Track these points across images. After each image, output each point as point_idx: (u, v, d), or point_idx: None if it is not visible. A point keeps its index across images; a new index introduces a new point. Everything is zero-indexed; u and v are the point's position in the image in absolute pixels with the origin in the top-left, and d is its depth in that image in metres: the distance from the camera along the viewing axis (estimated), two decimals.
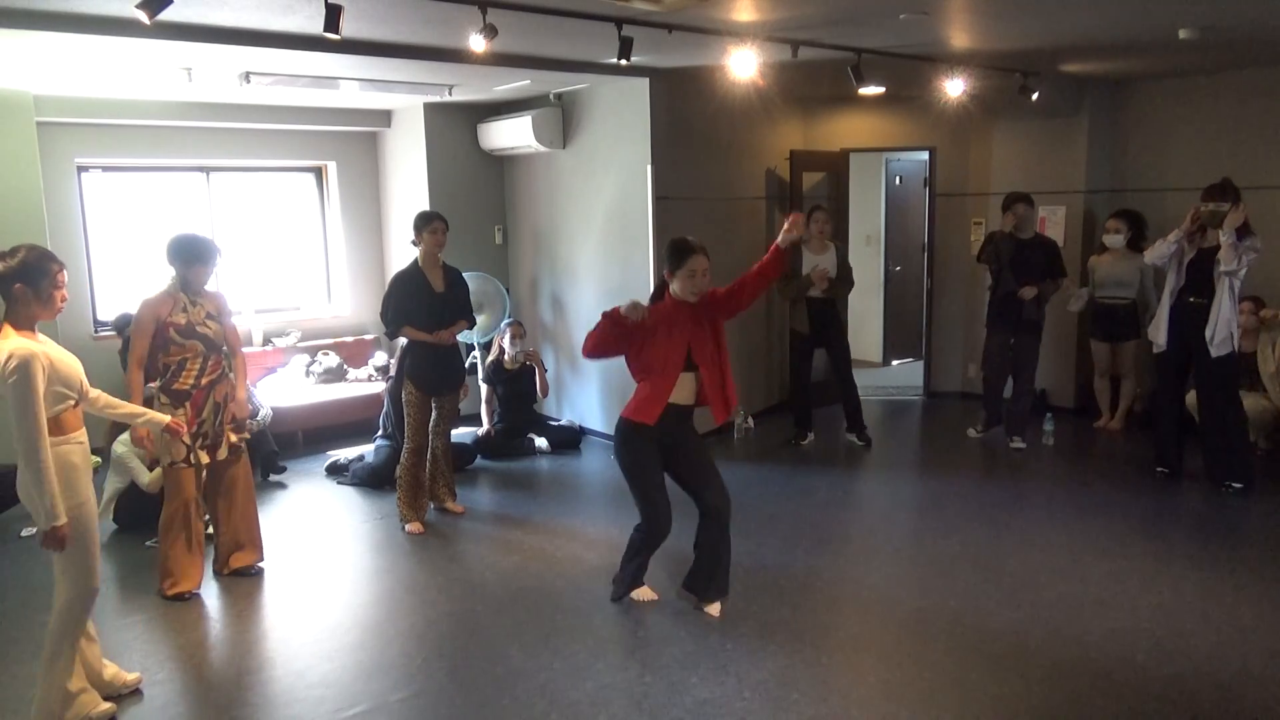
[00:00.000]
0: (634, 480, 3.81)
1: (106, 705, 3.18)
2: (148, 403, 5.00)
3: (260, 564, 4.49)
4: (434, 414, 5.15)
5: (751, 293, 3.73)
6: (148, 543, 4.84)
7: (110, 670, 3.35)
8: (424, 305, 4.94)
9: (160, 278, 4.16)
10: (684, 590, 3.98)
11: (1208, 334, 5.05)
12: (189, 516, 4.18)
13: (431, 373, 5.03)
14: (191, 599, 4.17)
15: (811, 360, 6.46)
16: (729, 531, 3.88)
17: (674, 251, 3.66)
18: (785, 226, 3.65)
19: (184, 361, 4.06)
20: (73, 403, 3.03)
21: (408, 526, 5.01)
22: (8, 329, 2.94)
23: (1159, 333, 5.33)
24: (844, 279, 6.36)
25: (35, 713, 3.06)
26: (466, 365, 7.08)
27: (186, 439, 4.00)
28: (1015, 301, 6.11)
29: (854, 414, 6.45)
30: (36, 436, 2.83)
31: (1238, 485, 5.20)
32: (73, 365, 3.05)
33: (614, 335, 3.58)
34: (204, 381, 4.12)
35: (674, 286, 3.67)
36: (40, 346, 2.93)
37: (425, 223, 4.99)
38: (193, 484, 4.18)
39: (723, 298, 3.73)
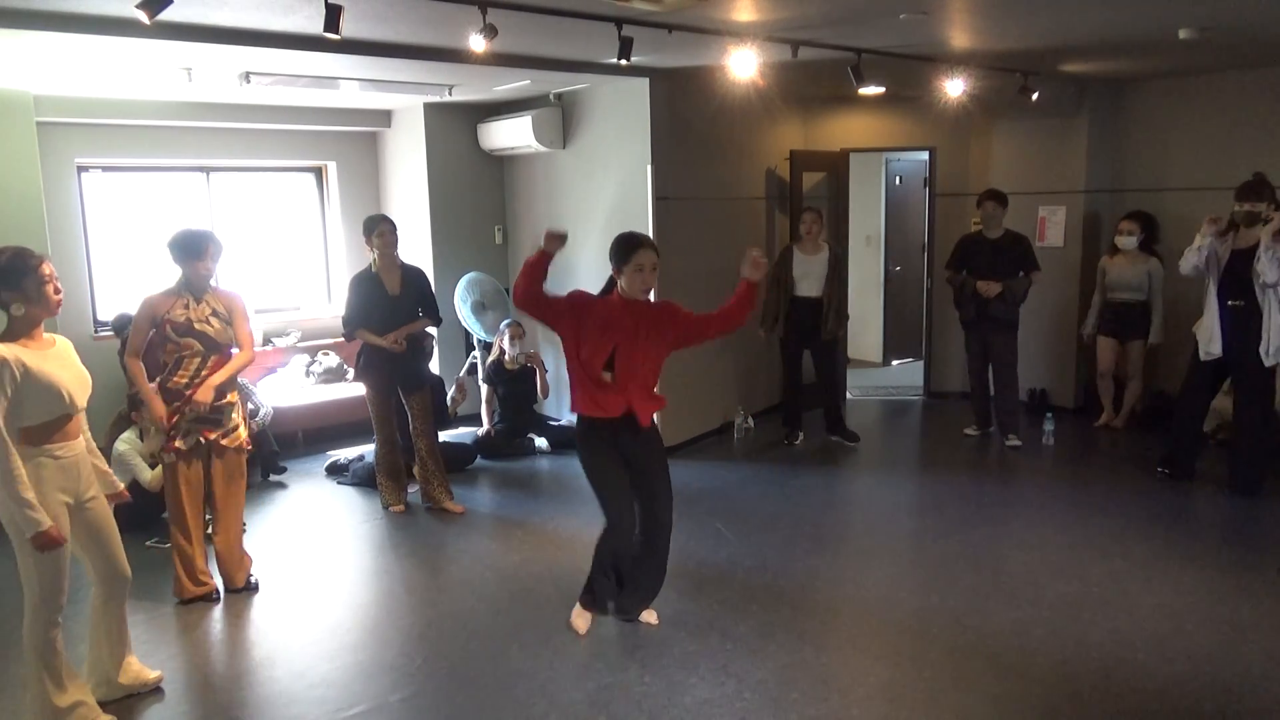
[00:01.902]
0: (593, 478, 3.62)
1: (106, 718, 3.14)
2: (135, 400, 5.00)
3: (252, 578, 4.32)
4: (409, 415, 5.26)
5: (718, 330, 3.61)
6: (148, 543, 4.85)
7: (133, 669, 3.35)
8: (378, 308, 5.05)
9: (167, 277, 4.10)
10: (617, 614, 3.80)
11: (1262, 347, 4.88)
12: (183, 516, 4.12)
13: (381, 372, 5.12)
14: (217, 599, 4.16)
15: (800, 361, 6.46)
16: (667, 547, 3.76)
17: (621, 246, 3.50)
18: (750, 262, 3.50)
19: (180, 360, 4.01)
20: (56, 415, 2.90)
21: (391, 508, 5.31)
22: None
23: (1213, 342, 5.10)
24: (842, 281, 6.36)
25: None
26: (466, 366, 7.13)
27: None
28: (980, 300, 6.13)
29: (832, 416, 6.47)
30: (2, 444, 2.73)
31: (1251, 495, 5.14)
32: (58, 377, 2.89)
33: (539, 275, 3.44)
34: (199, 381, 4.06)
35: (621, 283, 3.50)
36: (14, 351, 2.81)
37: (373, 227, 5.08)
38: (186, 480, 4.10)
39: (685, 320, 3.59)
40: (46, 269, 2.92)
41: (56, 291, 2.95)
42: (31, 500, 2.79)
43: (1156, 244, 6.47)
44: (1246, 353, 4.97)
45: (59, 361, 2.95)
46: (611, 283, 3.61)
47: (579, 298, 3.59)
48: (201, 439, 4.09)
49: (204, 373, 4.05)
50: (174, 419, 4.03)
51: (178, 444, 4.05)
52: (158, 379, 4.09)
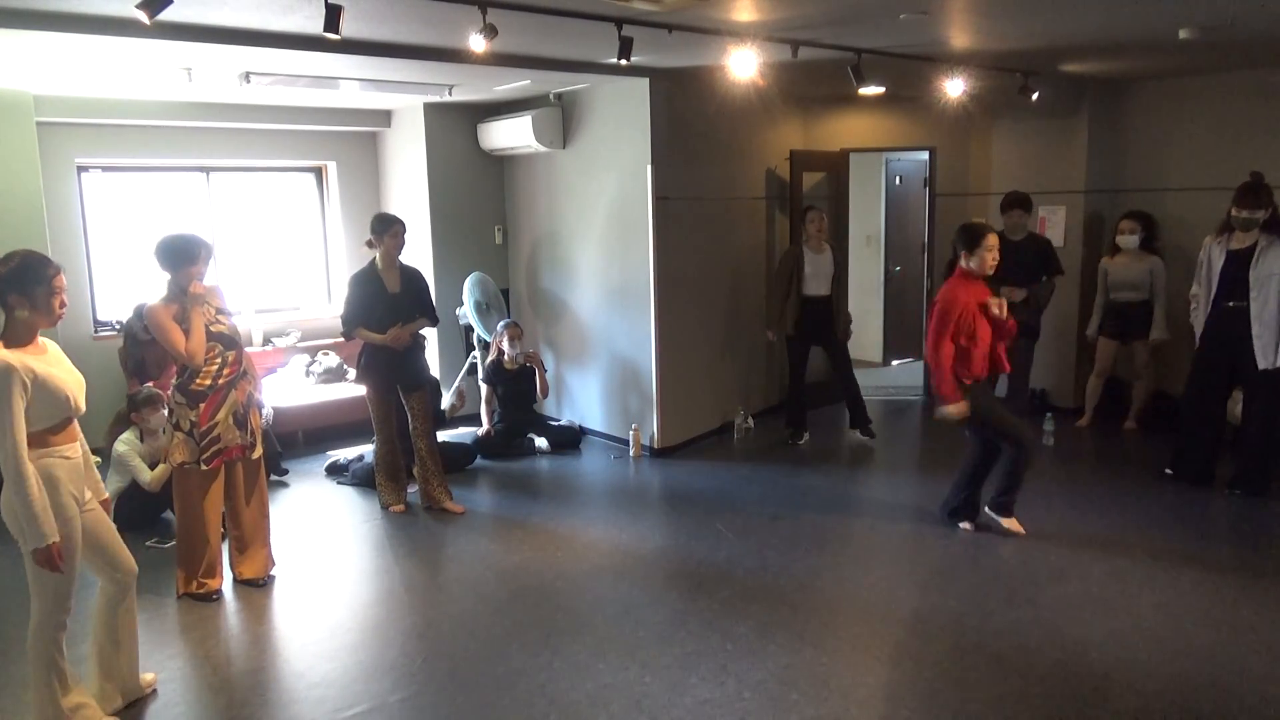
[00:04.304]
0: (1000, 419, 4.54)
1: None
2: (147, 400, 5.01)
3: (271, 574, 4.38)
4: (408, 415, 5.26)
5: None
6: (148, 543, 4.85)
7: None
8: (380, 306, 5.05)
9: (158, 284, 4.04)
10: (988, 512, 4.80)
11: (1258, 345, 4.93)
12: (201, 518, 4.13)
13: (383, 370, 5.13)
14: (217, 599, 4.17)
15: (807, 360, 6.50)
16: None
17: (970, 234, 4.43)
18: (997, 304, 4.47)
19: (204, 361, 4.01)
20: (60, 418, 2.88)
21: (391, 509, 5.31)
22: None
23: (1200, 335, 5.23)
24: (841, 281, 6.44)
25: None
26: (466, 365, 7.14)
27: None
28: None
29: (857, 410, 6.51)
30: (16, 452, 2.70)
31: (1257, 495, 5.12)
32: (63, 381, 2.88)
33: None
34: (221, 381, 4.05)
35: (970, 264, 4.44)
36: (21, 359, 2.77)
37: (386, 226, 5.06)
38: (205, 484, 4.12)
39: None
40: (59, 281, 2.91)
41: (62, 305, 2.93)
42: (41, 512, 2.74)
43: (1156, 242, 6.47)
44: (1250, 354, 4.97)
45: (58, 365, 2.93)
46: (953, 264, 4.53)
47: (961, 303, 4.39)
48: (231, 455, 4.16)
49: (226, 371, 4.05)
50: (205, 423, 4.04)
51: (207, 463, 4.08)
52: (173, 382, 4.10)
